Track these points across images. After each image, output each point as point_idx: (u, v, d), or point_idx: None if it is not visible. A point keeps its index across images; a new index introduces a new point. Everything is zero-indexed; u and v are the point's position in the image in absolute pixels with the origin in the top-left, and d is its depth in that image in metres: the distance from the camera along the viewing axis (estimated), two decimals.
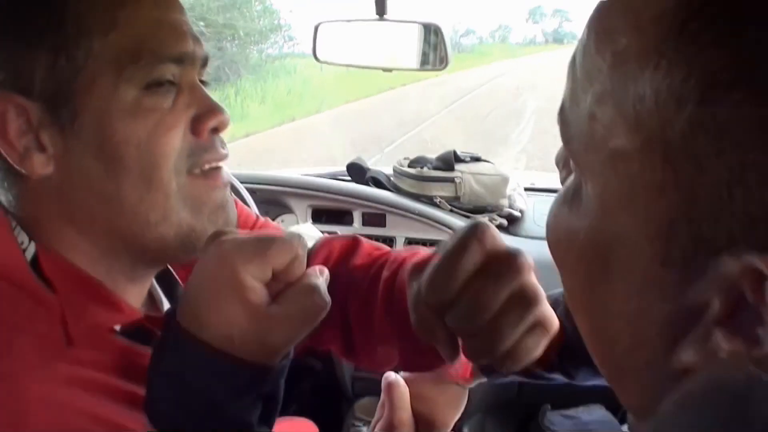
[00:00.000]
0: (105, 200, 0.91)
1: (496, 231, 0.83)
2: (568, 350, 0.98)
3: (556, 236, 0.63)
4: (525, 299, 0.78)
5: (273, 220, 2.00)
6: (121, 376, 0.89)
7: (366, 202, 2.69)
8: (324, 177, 3.06)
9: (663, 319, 0.50)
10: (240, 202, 1.42)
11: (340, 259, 1.25)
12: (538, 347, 0.80)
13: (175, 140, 0.93)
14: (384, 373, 1.18)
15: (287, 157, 15.09)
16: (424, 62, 2.18)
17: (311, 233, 1.36)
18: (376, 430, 1.15)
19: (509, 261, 0.79)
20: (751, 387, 0.42)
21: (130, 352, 0.93)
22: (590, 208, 0.56)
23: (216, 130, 0.98)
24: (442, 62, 2.14)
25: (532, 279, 0.80)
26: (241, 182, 2.40)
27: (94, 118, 0.88)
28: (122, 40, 0.88)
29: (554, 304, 1.00)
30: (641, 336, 0.53)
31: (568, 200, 0.60)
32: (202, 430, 0.79)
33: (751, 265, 0.42)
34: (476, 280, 0.78)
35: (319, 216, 2.72)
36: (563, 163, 0.65)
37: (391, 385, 1.12)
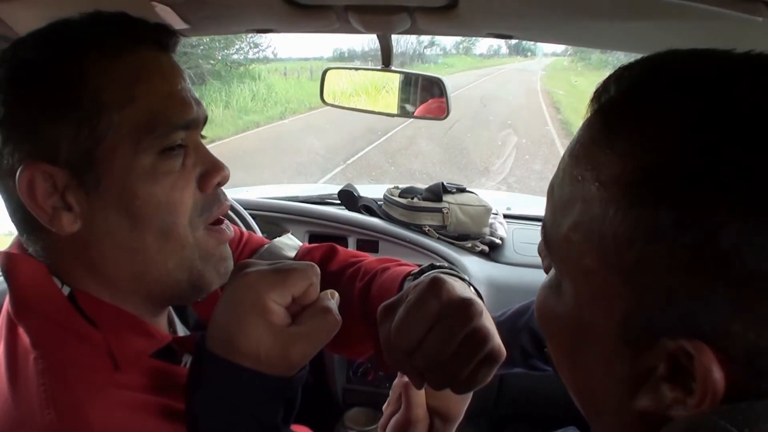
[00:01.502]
0: (129, 251, 1.02)
1: (452, 283, 1.03)
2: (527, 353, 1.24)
3: (543, 316, 0.83)
4: (476, 340, 0.97)
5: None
6: (158, 393, 1.02)
7: (360, 229, 2.83)
8: (314, 199, 3.23)
9: (624, 377, 0.70)
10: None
11: (320, 265, 1.29)
12: (489, 375, 0.99)
13: (188, 198, 1.05)
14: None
15: (252, 163, 15.07)
16: (426, 111, 2.34)
17: (292, 243, 1.54)
18: (389, 427, 1.33)
19: (462, 310, 0.98)
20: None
21: (163, 372, 1.07)
22: (568, 301, 0.75)
23: (219, 184, 1.11)
24: (442, 112, 2.31)
25: (482, 322, 0.99)
26: (245, 208, 2.52)
27: (116, 181, 0.98)
28: (138, 114, 0.99)
29: (520, 313, 1.27)
30: (608, 389, 0.73)
31: (553, 289, 0.79)
32: None
33: (683, 346, 0.62)
34: (435, 327, 0.97)
35: (316, 241, 2.77)
36: (545, 254, 0.84)
37: (407, 385, 1.29)
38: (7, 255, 1.06)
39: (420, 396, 1.31)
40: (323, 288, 1.09)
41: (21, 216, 1.02)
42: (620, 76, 0.73)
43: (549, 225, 0.78)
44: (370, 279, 1.42)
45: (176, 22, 1.69)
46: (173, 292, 1.10)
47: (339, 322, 0.98)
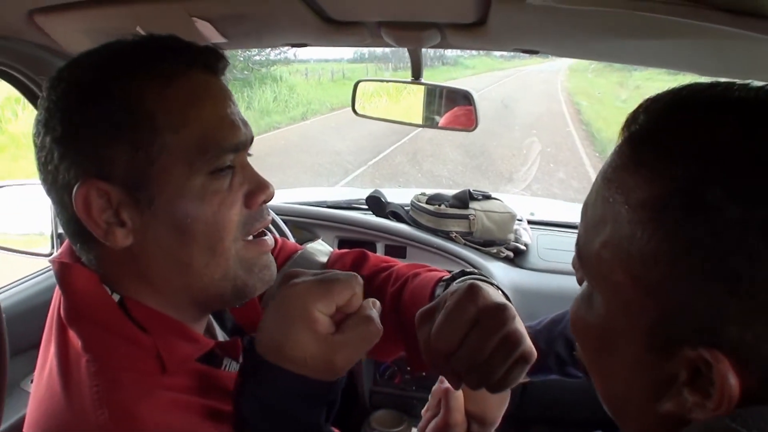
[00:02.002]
0: (177, 264, 1.08)
1: (487, 289, 1.10)
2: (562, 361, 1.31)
3: (576, 324, 0.90)
4: (510, 342, 1.04)
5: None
6: (203, 395, 1.09)
7: (388, 235, 2.88)
8: (342, 204, 3.28)
9: (648, 382, 0.78)
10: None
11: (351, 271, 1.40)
12: (521, 375, 1.06)
13: (235, 215, 1.10)
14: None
15: (274, 164, 15.09)
16: (455, 122, 2.39)
17: (324, 249, 1.60)
18: (428, 430, 1.39)
19: (498, 314, 1.05)
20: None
21: (207, 375, 1.14)
22: (599, 311, 0.83)
23: (263, 202, 1.16)
24: (471, 123, 2.36)
25: (515, 325, 1.05)
26: (278, 214, 2.58)
27: (168, 200, 1.04)
28: (191, 137, 1.04)
29: (556, 322, 1.34)
30: (633, 393, 0.81)
31: (585, 300, 0.87)
32: None
33: (703, 355, 0.69)
34: (473, 331, 1.04)
35: (345, 246, 2.86)
36: (578, 267, 0.90)
37: (447, 390, 1.36)
38: (62, 264, 1.11)
39: (459, 401, 1.37)
40: None
41: (75, 228, 1.07)
42: (647, 107, 0.80)
43: (582, 242, 0.85)
44: (402, 284, 1.47)
45: (215, 37, 1.74)
46: (217, 300, 1.16)
47: (380, 331, 1.03)
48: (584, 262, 0.85)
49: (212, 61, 1.13)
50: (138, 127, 1.02)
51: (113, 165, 1.02)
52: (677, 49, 1.50)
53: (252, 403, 1.01)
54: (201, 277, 1.10)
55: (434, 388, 1.44)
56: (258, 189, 1.14)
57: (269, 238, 1.21)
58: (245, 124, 1.15)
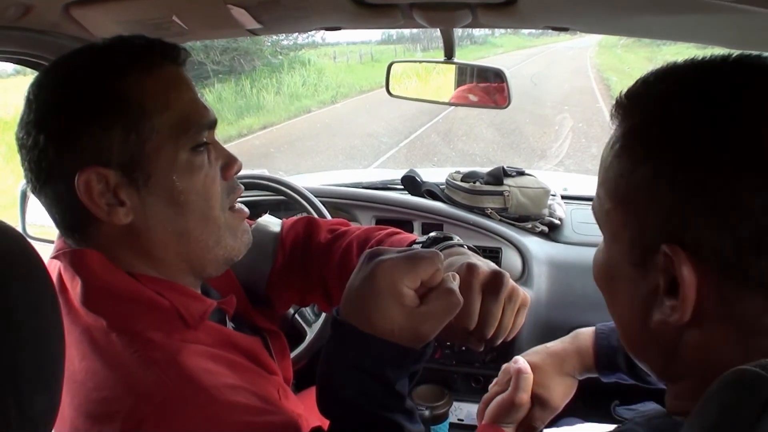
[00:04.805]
0: (176, 235, 1.24)
1: (475, 261, 1.23)
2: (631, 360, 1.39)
3: (593, 272, 1.04)
4: (513, 298, 1.21)
5: None
6: (221, 348, 1.23)
7: (425, 213, 2.90)
8: (378, 185, 3.31)
9: (642, 302, 0.90)
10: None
11: (307, 238, 1.68)
12: (523, 320, 1.24)
13: (218, 186, 1.28)
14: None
15: (305, 148, 15.13)
16: (488, 100, 2.42)
17: (274, 221, 1.69)
18: (493, 403, 1.48)
19: (496, 279, 1.18)
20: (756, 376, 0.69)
21: (219, 331, 1.30)
22: (603, 250, 1.00)
23: (235, 173, 1.34)
24: (504, 101, 2.39)
25: (507, 278, 1.20)
26: (316, 196, 2.60)
27: (162, 176, 1.19)
28: (174, 117, 1.20)
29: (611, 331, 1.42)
30: (634, 316, 0.94)
31: (598, 250, 1.03)
32: (375, 405, 1.07)
33: (664, 251, 0.81)
34: (484, 303, 1.17)
35: (383, 225, 2.88)
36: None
37: (519, 371, 1.46)
38: (73, 252, 1.23)
39: (528, 382, 1.45)
40: (315, 258, 1.49)
41: (73, 219, 1.22)
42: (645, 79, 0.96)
43: (594, 200, 1.00)
44: (376, 244, 1.59)
45: (250, 23, 1.78)
46: (212, 265, 1.33)
47: (461, 302, 1.10)
48: (595, 215, 0.99)
49: (178, 54, 1.28)
50: (129, 113, 1.17)
51: (110, 150, 1.16)
52: (705, 23, 1.51)
53: (348, 374, 1.08)
54: (198, 244, 1.27)
55: (505, 365, 1.52)
56: (231, 162, 1.32)
57: (245, 207, 1.39)
58: (210, 107, 1.31)
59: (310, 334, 2.38)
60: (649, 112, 0.90)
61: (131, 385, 1.10)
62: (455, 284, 1.12)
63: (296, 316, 2.35)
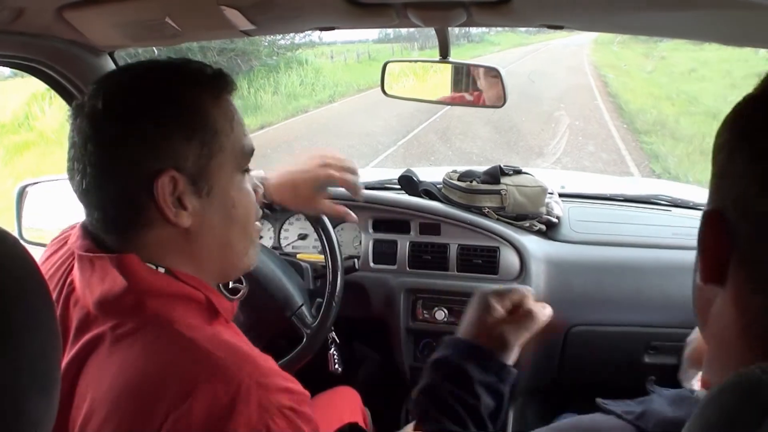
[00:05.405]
0: (221, 244, 1.38)
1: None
2: None
3: (693, 300, 0.98)
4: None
5: (334, 227, 2.47)
6: (233, 337, 1.31)
7: (422, 213, 2.89)
8: (374, 185, 3.31)
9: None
10: None
11: None
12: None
13: (255, 205, 1.47)
14: None
15: (303, 148, 15.10)
16: (484, 99, 2.40)
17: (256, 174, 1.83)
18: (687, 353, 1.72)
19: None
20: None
21: (233, 328, 1.41)
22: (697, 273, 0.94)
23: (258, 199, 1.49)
24: (500, 100, 2.38)
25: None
26: None
27: (221, 190, 1.33)
28: (236, 141, 1.35)
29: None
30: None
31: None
32: (452, 396, 1.32)
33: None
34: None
35: (380, 225, 2.93)
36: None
37: None
38: (119, 258, 1.27)
39: None
40: None
41: (136, 214, 1.27)
42: None
43: None
44: None
45: (243, 24, 1.78)
46: (237, 272, 1.50)
47: (539, 321, 1.45)
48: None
49: (234, 86, 1.40)
50: (206, 130, 1.29)
51: (186, 159, 1.26)
52: (701, 19, 1.51)
53: (439, 359, 1.41)
54: (236, 253, 1.43)
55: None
56: (257, 188, 1.49)
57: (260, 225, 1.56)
58: None
59: (307, 337, 2.36)
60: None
61: (177, 365, 1.18)
62: (536, 307, 1.46)
63: (293, 318, 2.34)
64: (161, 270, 1.30)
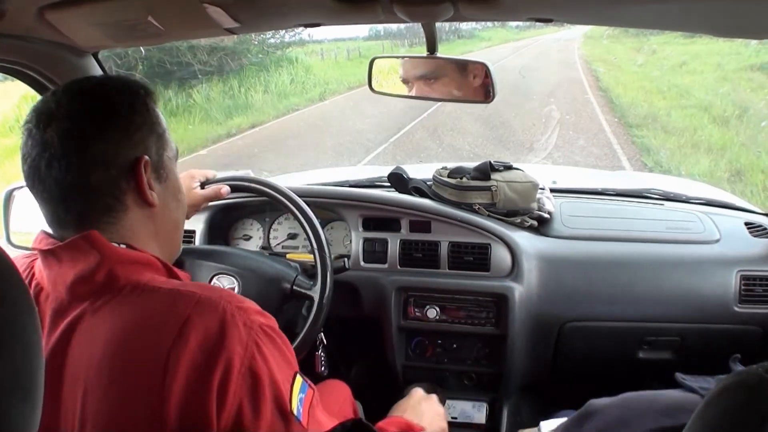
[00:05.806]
0: (175, 223, 1.62)
1: None
2: None
3: None
4: None
5: (324, 227, 2.54)
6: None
7: (412, 211, 2.87)
8: (364, 183, 3.31)
9: None
10: None
11: None
12: None
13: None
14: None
15: (294, 146, 15.12)
16: (472, 95, 2.38)
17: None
18: None
19: None
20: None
21: None
22: None
23: None
24: (488, 96, 2.35)
25: None
26: (300, 196, 2.52)
27: (172, 177, 1.58)
28: (171, 137, 1.57)
29: None
30: None
31: None
32: None
33: None
34: None
35: (369, 224, 2.91)
36: None
37: None
38: (85, 236, 1.38)
39: None
40: None
41: (107, 203, 1.43)
42: None
43: None
44: None
45: (227, 22, 1.76)
46: (176, 255, 1.70)
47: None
48: None
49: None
50: (159, 126, 1.52)
51: (150, 149, 1.47)
52: (691, 11, 1.50)
53: None
54: (180, 235, 1.67)
55: None
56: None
57: None
58: None
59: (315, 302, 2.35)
60: None
61: (165, 310, 1.32)
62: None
63: (294, 287, 2.33)
64: (123, 246, 1.43)
